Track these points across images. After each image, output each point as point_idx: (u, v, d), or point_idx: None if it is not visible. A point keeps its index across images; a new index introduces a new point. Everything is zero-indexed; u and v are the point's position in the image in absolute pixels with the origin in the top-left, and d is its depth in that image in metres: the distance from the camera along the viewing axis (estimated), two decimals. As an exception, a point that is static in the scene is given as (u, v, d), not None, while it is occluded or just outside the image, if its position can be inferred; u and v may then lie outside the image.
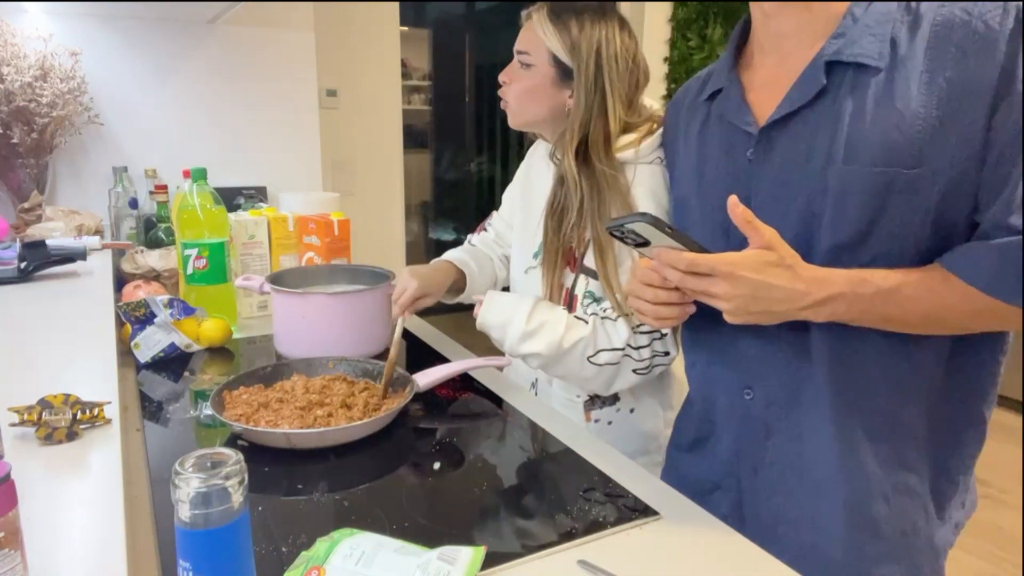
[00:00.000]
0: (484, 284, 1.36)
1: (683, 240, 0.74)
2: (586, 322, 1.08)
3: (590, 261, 1.11)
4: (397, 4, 2.82)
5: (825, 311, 0.74)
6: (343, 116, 2.03)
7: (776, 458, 0.88)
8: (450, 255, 1.37)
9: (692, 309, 0.83)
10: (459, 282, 1.32)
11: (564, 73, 1.11)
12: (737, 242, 0.78)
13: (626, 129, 1.11)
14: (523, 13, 1.17)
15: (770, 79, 0.85)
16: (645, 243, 0.76)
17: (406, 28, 3.08)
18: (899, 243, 0.75)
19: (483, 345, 1.38)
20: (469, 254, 1.38)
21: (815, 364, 0.82)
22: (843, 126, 0.76)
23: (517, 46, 1.16)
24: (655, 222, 0.72)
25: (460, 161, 5.10)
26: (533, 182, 1.29)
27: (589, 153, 1.09)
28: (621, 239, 0.77)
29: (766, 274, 0.72)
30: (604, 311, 1.09)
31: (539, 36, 1.11)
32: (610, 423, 1.18)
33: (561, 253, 1.16)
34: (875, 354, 0.80)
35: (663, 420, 1.21)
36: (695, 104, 0.96)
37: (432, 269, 1.29)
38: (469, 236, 1.47)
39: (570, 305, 1.14)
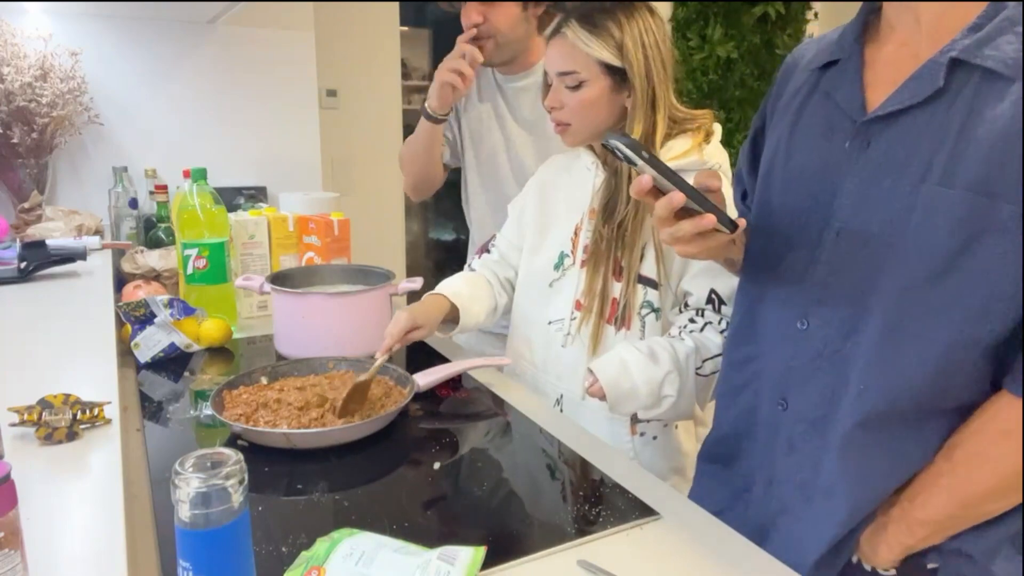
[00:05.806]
0: (479, 312, 1.27)
1: (667, 174, 0.70)
2: (681, 338, 1.07)
3: (648, 270, 1.09)
4: (397, 4, 2.82)
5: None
6: (343, 116, 2.02)
7: (788, 476, 0.82)
8: (444, 285, 1.27)
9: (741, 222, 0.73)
10: (453, 313, 1.24)
11: (620, 77, 1.09)
12: (813, 239, 0.75)
13: (675, 130, 1.10)
14: (545, 33, 1.14)
15: (891, 61, 0.73)
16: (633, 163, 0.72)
17: (406, 28, 3.08)
18: (981, 298, 0.64)
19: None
20: (465, 282, 1.29)
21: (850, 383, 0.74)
22: (950, 139, 0.64)
23: (557, 68, 1.10)
24: (633, 146, 0.69)
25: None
26: (551, 194, 1.26)
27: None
28: (613, 153, 0.74)
29: None
30: (685, 326, 1.09)
31: (582, 50, 1.08)
32: (655, 438, 1.15)
33: (611, 254, 1.12)
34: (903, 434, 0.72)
35: (696, 437, 1.18)
36: (806, 70, 0.83)
37: (424, 305, 1.20)
38: (470, 260, 1.40)
39: (621, 316, 1.12)
